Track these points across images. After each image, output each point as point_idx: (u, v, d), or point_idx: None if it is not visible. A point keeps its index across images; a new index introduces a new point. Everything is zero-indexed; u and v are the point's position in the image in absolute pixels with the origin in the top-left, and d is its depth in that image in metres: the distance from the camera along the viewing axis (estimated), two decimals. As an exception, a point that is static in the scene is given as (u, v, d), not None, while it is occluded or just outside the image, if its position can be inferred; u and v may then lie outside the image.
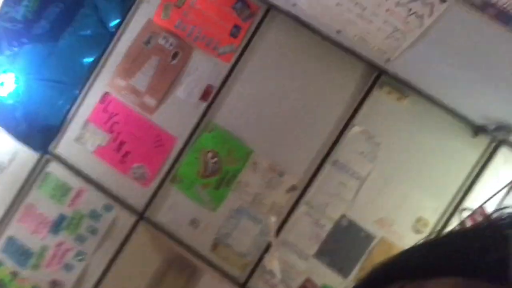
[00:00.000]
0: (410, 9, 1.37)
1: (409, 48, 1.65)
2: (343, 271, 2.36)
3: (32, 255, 2.50)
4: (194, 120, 2.45)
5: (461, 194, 2.29)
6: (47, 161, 2.52)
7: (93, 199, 2.50)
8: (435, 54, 1.61)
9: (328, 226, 2.38)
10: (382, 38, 1.72)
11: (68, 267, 2.49)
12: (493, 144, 2.26)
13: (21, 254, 2.51)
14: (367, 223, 2.35)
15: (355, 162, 2.36)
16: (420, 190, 2.33)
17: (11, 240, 2.52)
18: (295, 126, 2.41)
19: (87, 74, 2.52)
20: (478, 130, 2.21)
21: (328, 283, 2.36)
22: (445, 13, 1.28)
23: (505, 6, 1.16)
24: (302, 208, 2.39)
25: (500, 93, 1.65)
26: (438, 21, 1.34)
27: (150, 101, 2.50)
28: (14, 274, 2.49)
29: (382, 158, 2.35)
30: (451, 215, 2.28)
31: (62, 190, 2.52)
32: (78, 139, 2.53)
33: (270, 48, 2.42)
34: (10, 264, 2.50)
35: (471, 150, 2.29)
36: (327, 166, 2.38)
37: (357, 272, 2.35)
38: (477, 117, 2.18)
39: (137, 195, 2.48)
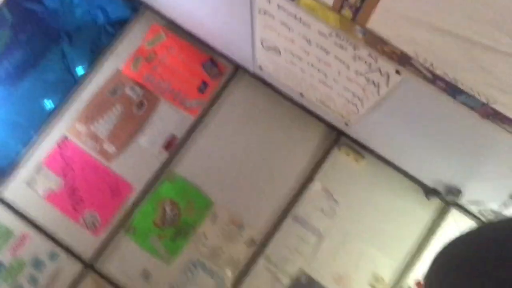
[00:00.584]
0: (368, 78, 1.46)
1: (366, 113, 1.74)
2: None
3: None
4: (155, 168, 2.42)
5: (414, 253, 2.35)
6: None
7: (37, 246, 2.35)
8: (391, 120, 1.71)
9: (287, 282, 2.33)
10: (342, 103, 1.81)
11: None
12: (444, 206, 2.37)
13: None
14: (326, 280, 2.33)
15: (314, 218, 2.38)
16: (376, 248, 2.36)
17: None
18: (256, 180, 2.42)
19: (46, 117, 2.45)
20: (430, 192, 2.33)
21: None
22: (399, 83, 1.37)
23: (452, 80, 1.27)
24: (260, 263, 2.35)
25: (449, 159, 1.76)
26: (393, 91, 1.43)
27: (110, 148, 2.44)
28: None
29: (341, 216, 2.39)
30: (405, 272, 2.31)
31: (3, 235, 2.34)
32: (29, 182, 2.40)
33: (235, 105, 2.48)
34: None
35: (423, 211, 2.39)
36: (287, 221, 2.38)
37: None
38: (429, 180, 2.30)
39: (86, 243, 2.35)
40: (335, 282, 2.33)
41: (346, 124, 2.12)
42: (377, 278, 2.34)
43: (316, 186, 2.41)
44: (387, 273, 2.34)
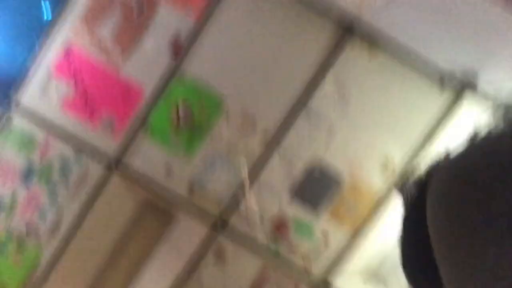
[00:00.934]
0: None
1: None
2: (315, 208, 2.48)
3: (5, 202, 2.50)
4: (163, 70, 2.37)
5: (426, 139, 2.38)
6: (11, 112, 2.42)
7: (62, 150, 2.46)
8: (409, 3, 1.57)
9: (300, 169, 2.45)
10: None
11: (42, 214, 2.51)
12: (459, 92, 2.31)
13: (-5, 201, 2.49)
14: (337, 165, 2.45)
15: (327, 111, 2.39)
16: (388, 136, 2.41)
17: (-20, 189, 2.48)
18: (268, 77, 2.38)
19: (48, 23, 2.34)
20: (445, 78, 2.25)
21: (300, 220, 2.49)
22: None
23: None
24: (275, 156, 2.44)
25: (467, 39, 1.66)
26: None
27: (116, 51, 2.37)
28: (-11, 220, 2.50)
29: (353, 108, 2.39)
30: (416, 158, 2.39)
31: (29, 142, 2.46)
32: (43, 91, 2.42)
33: (242, 3, 2.30)
34: (-19, 212, 2.50)
35: (437, 98, 2.34)
36: (299, 115, 2.40)
37: (328, 209, 2.48)
38: (445, 65, 2.21)
39: (108, 146, 2.45)
40: (346, 170, 2.45)
41: (360, 11, 1.97)
42: (387, 164, 2.44)
43: (328, 81, 2.36)
44: (398, 159, 2.42)
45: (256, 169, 2.45)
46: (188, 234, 2.53)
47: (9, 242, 2.52)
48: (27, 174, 2.47)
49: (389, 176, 2.44)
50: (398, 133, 2.40)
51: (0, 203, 2.49)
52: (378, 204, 2.47)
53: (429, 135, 2.37)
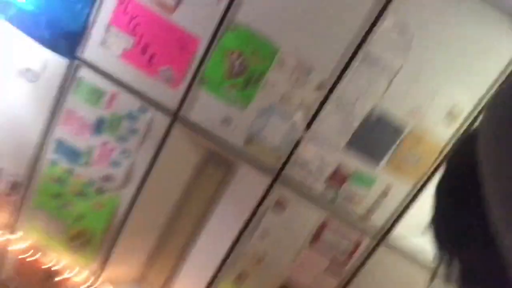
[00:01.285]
0: None
1: None
2: (374, 159, 2.42)
3: (81, 154, 2.69)
4: (216, 19, 2.33)
5: (494, 88, 2.16)
6: (78, 67, 2.54)
7: (127, 102, 2.56)
8: None
9: (359, 118, 2.37)
10: None
11: (115, 164, 2.69)
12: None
13: (72, 154, 2.70)
14: (398, 114, 2.32)
15: (386, 55, 2.23)
16: (454, 83, 2.21)
17: (60, 142, 2.71)
18: (322, 20, 2.24)
19: None
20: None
21: (359, 170, 2.45)
22: None
23: None
24: (331, 103, 2.37)
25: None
26: None
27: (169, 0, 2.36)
28: (70, 172, 2.75)
29: (416, 50, 2.20)
30: (483, 109, 2.19)
31: (96, 94, 2.57)
32: (103, 43, 2.50)
33: None
34: (64, 163, 2.74)
35: (508, 42, 2.08)
36: (357, 61, 2.26)
37: (388, 159, 2.40)
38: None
39: (168, 96, 2.52)
40: (408, 116, 2.32)
41: None
42: (453, 112, 2.26)
43: (389, 18, 2.17)
44: (464, 107, 2.24)
45: (312, 119, 2.41)
46: (248, 183, 2.60)
47: (89, 190, 2.78)
48: (98, 126, 2.64)
49: (456, 126, 2.28)
50: (466, 79, 2.19)
51: (77, 154, 2.71)
52: (442, 156, 2.34)
53: (499, 82, 2.14)
